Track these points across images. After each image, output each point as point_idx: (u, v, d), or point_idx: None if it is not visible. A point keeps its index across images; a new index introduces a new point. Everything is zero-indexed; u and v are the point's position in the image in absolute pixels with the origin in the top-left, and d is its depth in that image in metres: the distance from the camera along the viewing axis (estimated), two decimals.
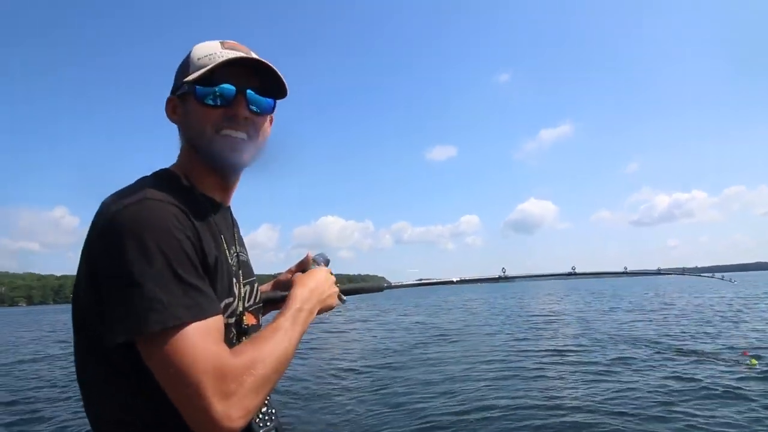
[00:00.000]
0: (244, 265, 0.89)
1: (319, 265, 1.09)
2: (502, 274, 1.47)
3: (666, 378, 5.95)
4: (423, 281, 1.45)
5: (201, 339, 0.65)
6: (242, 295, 0.84)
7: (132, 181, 0.79)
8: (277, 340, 0.73)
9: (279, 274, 1.17)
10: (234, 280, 0.81)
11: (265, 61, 0.82)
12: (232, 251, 0.84)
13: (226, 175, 0.87)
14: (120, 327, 0.64)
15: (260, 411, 0.82)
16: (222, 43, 0.83)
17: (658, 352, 7.79)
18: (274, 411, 0.85)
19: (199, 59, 0.81)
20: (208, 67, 0.78)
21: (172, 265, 0.65)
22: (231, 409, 0.63)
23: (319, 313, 0.92)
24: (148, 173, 0.83)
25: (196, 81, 0.79)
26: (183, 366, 0.62)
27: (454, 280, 1.45)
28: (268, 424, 0.82)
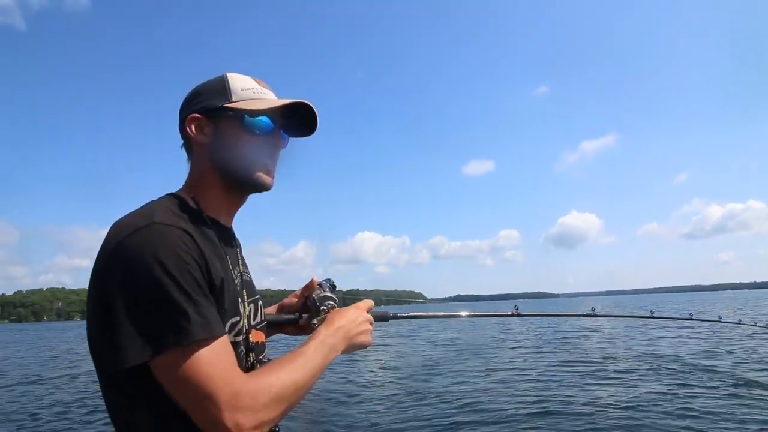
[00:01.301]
0: (248, 285, 0.92)
1: (324, 289, 1.09)
2: (515, 310, 1.40)
3: None
4: (431, 314, 1.41)
5: (215, 355, 0.69)
6: (248, 313, 0.87)
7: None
8: (295, 365, 0.77)
9: (298, 290, 1.17)
10: (239, 299, 0.84)
11: (315, 113, 0.92)
12: (236, 271, 0.87)
13: (244, 196, 0.94)
14: (136, 349, 0.66)
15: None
16: (256, 81, 0.92)
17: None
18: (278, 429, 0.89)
19: (242, 90, 0.88)
20: (270, 105, 0.88)
21: (182, 286, 0.68)
22: (243, 421, 0.66)
23: (349, 351, 0.92)
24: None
25: (245, 110, 0.86)
26: (198, 381, 0.66)
27: (463, 314, 1.39)
28: None
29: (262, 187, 0.91)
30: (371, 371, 9.38)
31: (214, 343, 0.70)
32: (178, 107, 0.92)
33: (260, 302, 0.97)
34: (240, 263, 0.93)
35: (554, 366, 8.85)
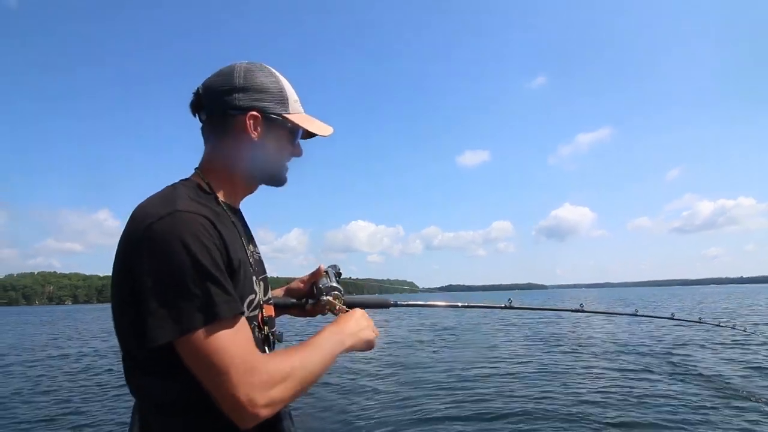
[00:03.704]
0: (259, 263, 0.99)
1: (330, 277, 1.13)
2: (508, 303, 1.48)
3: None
4: (429, 303, 1.48)
5: (235, 333, 0.75)
6: (261, 290, 0.94)
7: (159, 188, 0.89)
8: (309, 352, 0.83)
9: (305, 276, 1.22)
10: (254, 277, 0.91)
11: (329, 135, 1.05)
12: (249, 251, 0.93)
13: (258, 187, 1.03)
14: (166, 327, 0.71)
15: None
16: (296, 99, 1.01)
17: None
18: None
19: (294, 101, 0.98)
20: (319, 132, 1.01)
21: (207, 269, 0.74)
22: (257, 397, 0.71)
23: (356, 349, 0.97)
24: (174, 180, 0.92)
25: (301, 127, 0.98)
26: (219, 357, 0.71)
27: (459, 304, 1.49)
28: (286, 408, 0.93)
29: (279, 185, 1.03)
30: (364, 360, 9.54)
31: (234, 322, 0.75)
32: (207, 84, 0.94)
33: (267, 279, 1.04)
34: (251, 243, 0.99)
35: (540, 358, 9.11)
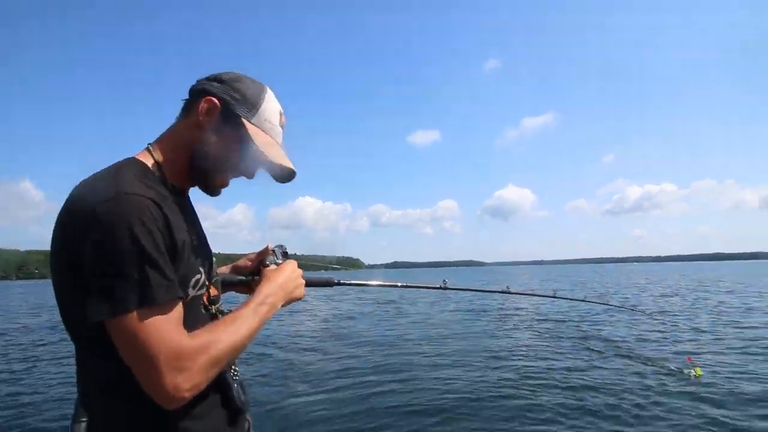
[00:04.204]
0: (204, 244, 1.00)
1: (276, 256, 1.16)
2: (443, 284, 1.60)
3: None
4: (372, 282, 1.55)
5: (167, 319, 0.76)
6: (206, 270, 0.95)
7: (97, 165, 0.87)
8: (234, 327, 0.83)
9: (252, 253, 1.24)
10: (199, 258, 0.92)
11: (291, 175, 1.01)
12: (194, 233, 0.94)
13: (192, 180, 0.98)
14: (101, 307, 0.73)
15: (233, 365, 0.97)
16: (281, 116, 0.99)
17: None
18: (237, 368, 1.00)
19: (266, 120, 0.95)
20: (271, 159, 0.94)
21: (148, 254, 0.74)
22: (181, 383, 0.73)
23: (285, 304, 1.01)
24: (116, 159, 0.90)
25: (252, 140, 0.92)
26: (147, 341, 0.73)
27: (399, 284, 1.58)
28: (236, 378, 0.97)
29: (208, 190, 0.99)
30: (299, 335, 9.85)
31: (169, 307, 0.77)
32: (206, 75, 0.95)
33: (213, 259, 1.05)
34: (197, 224, 1.00)
35: (465, 326, 10.31)
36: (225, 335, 0.81)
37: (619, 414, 4.38)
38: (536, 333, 9.27)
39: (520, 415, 4.43)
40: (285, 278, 1.01)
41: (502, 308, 13.94)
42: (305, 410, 4.76)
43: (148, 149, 0.93)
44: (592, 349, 7.41)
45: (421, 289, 1.74)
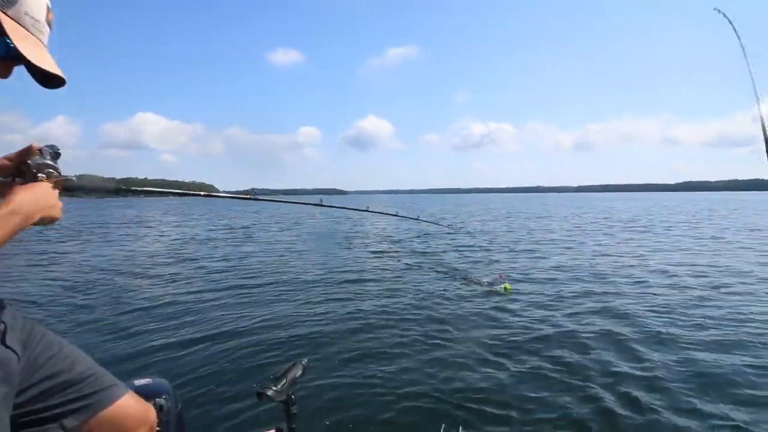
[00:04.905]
0: None
1: (45, 156, 1.02)
2: (252, 195, 1.64)
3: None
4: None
5: None
6: None
7: None
8: None
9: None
10: None
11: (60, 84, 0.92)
12: None
13: None
14: None
15: None
16: (48, 12, 0.89)
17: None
18: None
19: (25, 13, 0.83)
20: (27, 56, 0.81)
21: None
22: None
23: (40, 223, 0.92)
24: None
25: (4, 31, 0.80)
26: None
27: (202, 194, 1.55)
28: None
29: None
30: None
31: None
32: None
33: None
34: None
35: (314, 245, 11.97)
36: None
37: (430, 314, 5.03)
38: (376, 251, 10.80)
39: (343, 318, 4.85)
40: (43, 194, 0.92)
41: (351, 230, 16.14)
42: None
43: None
44: (414, 264, 8.74)
45: (293, 206, 2.05)
